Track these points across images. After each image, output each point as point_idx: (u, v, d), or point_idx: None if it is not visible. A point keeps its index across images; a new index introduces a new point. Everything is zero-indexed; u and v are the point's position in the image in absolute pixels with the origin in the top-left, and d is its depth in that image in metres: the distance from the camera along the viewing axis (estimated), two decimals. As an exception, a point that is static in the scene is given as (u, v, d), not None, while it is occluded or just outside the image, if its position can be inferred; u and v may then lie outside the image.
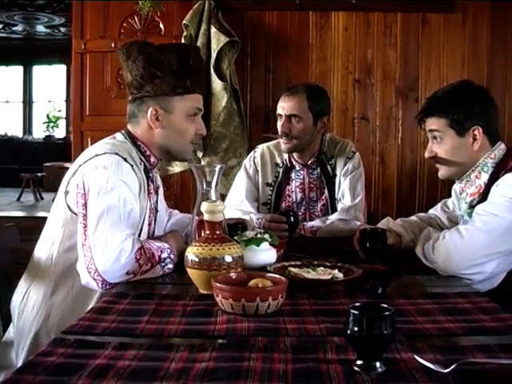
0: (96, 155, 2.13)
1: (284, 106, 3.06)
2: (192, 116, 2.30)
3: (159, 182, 2.51)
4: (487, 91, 2.40)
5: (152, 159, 2.29)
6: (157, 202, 2.39)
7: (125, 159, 2.12)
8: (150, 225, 2.29)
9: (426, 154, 2.40)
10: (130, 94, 2.27)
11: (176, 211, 2.73)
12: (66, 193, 2.16)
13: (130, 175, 2.11)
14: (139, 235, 2.16)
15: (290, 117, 3.03)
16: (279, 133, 3.08)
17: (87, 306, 2.06)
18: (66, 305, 2.14)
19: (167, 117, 2.25)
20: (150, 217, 2.28)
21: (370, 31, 4.37)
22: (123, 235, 1.97)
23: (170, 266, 2.09)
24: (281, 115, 3.07)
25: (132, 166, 2.13)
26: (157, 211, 2.38)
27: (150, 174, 2.31)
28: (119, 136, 2.29)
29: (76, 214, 2.10)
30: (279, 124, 3.07)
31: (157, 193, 2.40)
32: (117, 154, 2.12)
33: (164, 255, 2.07)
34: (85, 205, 2.04)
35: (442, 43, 4.33)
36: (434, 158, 2.37)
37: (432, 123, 2.33)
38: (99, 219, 1.99)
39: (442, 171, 2.38)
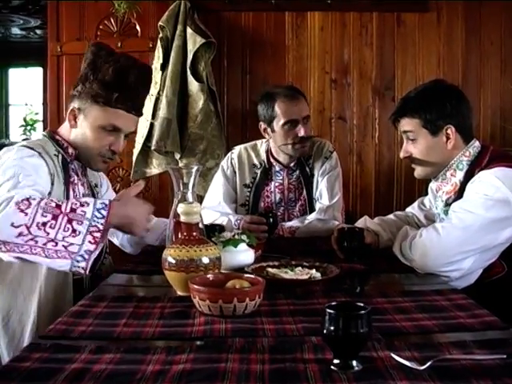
0: (8, 150, 2.17)
1: (295, 110, 3.03)
2: (107, 130, 2.29)
3: (101, 180, 2.58)
4: (459, 90, 2.42)
5: (70, 150, 2.32)
6: (93, 196, 2.40)
7: (31, 148, 2.16)
8: None
9: (401, 155, 2.41)
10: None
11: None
12: None
13: (33, 158, 2.13)
14: None
15: (303, 119, 3.04)
16: (293, 139, 3.04)
17: (19, 300, 2.10)
18: None
19: (82, 120, 2.30)
20: None
21: (345, 31, 4.38)
22: (6, 192, 1.89)
23: (100, 221, 1.84)
24: (297, 120, 3.03)
25: (40, 153, 2.16)
26: None
27: (72, 166, 2.33)
28: (39, 136, 2.38)
29: None
30: (297, 129, 3.02)
31: (90, 189, 2.43)
32: (22, 145, 2.18)
33: (85, 209, 1.84)
34: None
35: (418, 42, 4.35)
36: (409, 158, 2.38)
37: (405, 124, 2.34)
38: None
39: (418, 171, 2.40)
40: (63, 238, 1.80)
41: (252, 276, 1.77)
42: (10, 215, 1.78)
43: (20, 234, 1.78)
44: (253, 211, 3.12)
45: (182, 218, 1.85)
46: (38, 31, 11.16)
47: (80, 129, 2.30)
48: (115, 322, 1.56)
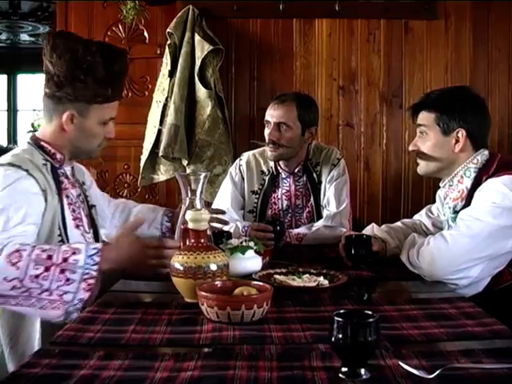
0: None
1: (273, 114, 3.05)
2: (105, 124, 2.29)
3: (85, 177, 2.52)
4: (483, 100, 2.42)
5: (58, 156, 2.26)
6: (84, 196, 2.39)
7: (19, 166, 2.08)
8: (77, 219, 2.25)
9: (410, 147, 2.45)
10: (48, 87, 2.21)
11: (131, 202, 2.81)
12: None
13: (23, 181, 2.05)
14: (66, 234, 2.15)
15: (278, 125, 3.03)
16: (266, 140, 3.08)
17: (26, 319, 2.07)
18: (5, 321, 2.11)
19: (81, 121, 2.23)
20: (74, 211, 2.25)
21: (353, 38, 4.37)
22: None
23: (94, 268, 1.86)
24: (269, 122, 3.06)
25: (27, 170, 2.08)
26: (90, 206, 2.39)
27: (61, 171, 2.28)
28: (24, 145, 2.28)
29: None
30: (267, 131, 3.07)
31: (80, 187, 2.39)
32: (9, 163, 2.09)
33: (77, 257, 1.86)
34: None
35: (425, 49, 4.35)
36: (415, 152, 2.41)
37: (422, 118, 2.37)
38: None
39: (421, 166, 2.42)
40: (57, 287, 1.83)
41: (260, 283, 1.77)
42: (2, 270, 1.80)
43: (13, 288, 1.81)
44: (260, 218, 3.12)
45: (190, 225, 1.85)
46: (47, 37, 11.18)
47: (79, 129, 2.23)
48: (123, 329, 1.57)
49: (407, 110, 2.54)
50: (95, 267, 1.86)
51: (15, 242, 1.88)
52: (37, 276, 1.81)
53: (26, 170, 2.08)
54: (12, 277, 1.80)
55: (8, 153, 2.21)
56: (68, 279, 1.83)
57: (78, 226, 2.24)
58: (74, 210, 2.25)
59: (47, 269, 1.82)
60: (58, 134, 2.25)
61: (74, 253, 1.87)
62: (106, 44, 2.37)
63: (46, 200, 2.10)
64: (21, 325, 2.10)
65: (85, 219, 2.32)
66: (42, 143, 2.25)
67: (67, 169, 2.33)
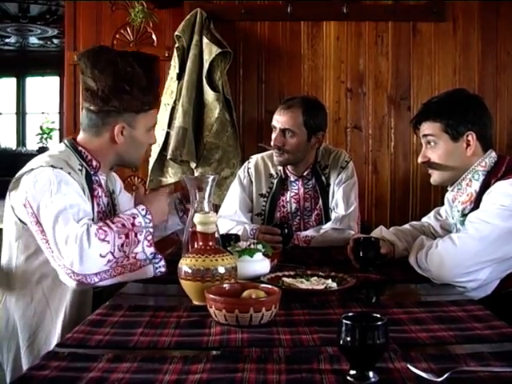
0: (32, 169, 2.10)
1: (279, 120, 3.06)
2: (149, 131, 2.35)
3: (116, 184, 2.54)
4: (482, 100, 2.42)
5: (94, 163, 2.27)
6: (112, 205, 2.41)
7: (61, 168, 2.10)
8: None
9: (419, 159, 2.41)
10: (94, 104, 2.21)
11: None
12: (13, 208, 2.14)
13: (68, 182, 2.08)
14: None
15: (283, 131, 3.03)
16: (272, 145, 3.08)
17: (47, 319, 2.12)
18: (26, 319, 2.14)
19: (131, 132, 2.27)
20: (101, 220, 2.24)
21: (361, 40, 4.38)
22: (77, 226, 1.94)
23: (150, 225, 2.06)
24: (275, 128, 3.07)
25: (69, 173, 2.11)
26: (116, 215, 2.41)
27: (96, 178, 2.29)
28: (61, 146, 2.29)
29: (26, 224, 2.10)
30: (273, 136, 3.07)
31: (110, 196, 2.41)
32: (52, 166, 2.09)
33: (139, 220, 2.04)
34: (38, 222, 2.02)
35: (433, 52, 4.34)
36: (426, 163, 2.38)
37: (427, 128, 2.35)
38: (54, 227, 1.96)
39: (435, 176, 2.39)
40: (131, 250, 2.00)
41: (268, 286, 1.77)
42: (96, 248, 1.91)
43: (108, 262, 1.93)
44: (269, 221, 3.13)
45: (199, 228, 1.86)
46: (55, 40, 11.28)
47: (129, 140, 2.27)
48: (132, 331, 1.57)
49: (410, 123, 2.52)
50: (151, 224, 2.06)
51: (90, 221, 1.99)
52: (122, 245, 1.97)
53: (68, 173, 2.12)
54: (106, 252, 1.92)
55: (44, 153, 2.25)
56: (138, 241, 2.01)
57: None
58: (101, 219, 2.25)
59: (127, 236, 1.98)
60: (106, 148, 2.28)
61: (134, 217, 2.04)
62: (138, 53, 2.47)
63: (83, 199, 2.13)
64: (41, 325, 2.13)
65: None
66: (80, 148, 2.26)
67: (102, 177, 2.35)
